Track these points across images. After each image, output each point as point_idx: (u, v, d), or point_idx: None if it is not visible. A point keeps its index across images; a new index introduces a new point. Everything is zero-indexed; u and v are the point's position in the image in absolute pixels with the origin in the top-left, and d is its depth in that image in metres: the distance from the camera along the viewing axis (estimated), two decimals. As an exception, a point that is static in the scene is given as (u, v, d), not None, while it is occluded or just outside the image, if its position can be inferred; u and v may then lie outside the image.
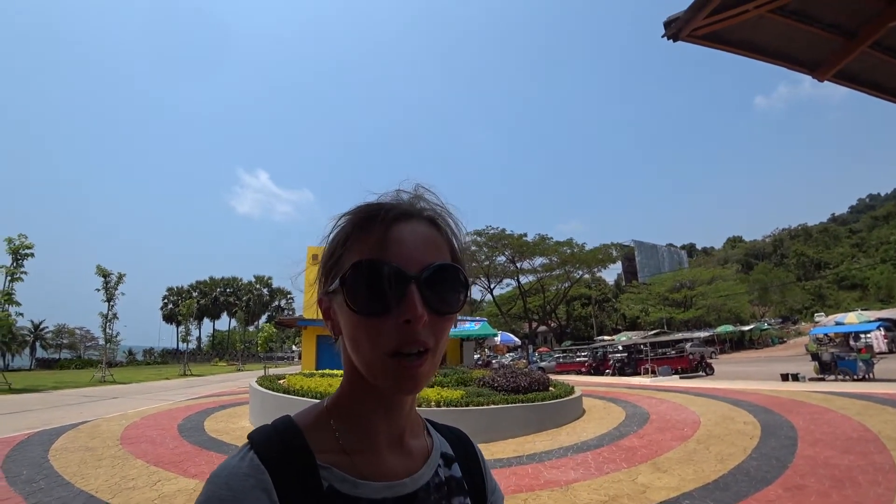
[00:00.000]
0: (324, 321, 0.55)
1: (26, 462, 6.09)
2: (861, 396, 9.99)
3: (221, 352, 68.92)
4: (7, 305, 18.65)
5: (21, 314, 19.90)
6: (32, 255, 19.42)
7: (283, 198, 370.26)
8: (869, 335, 23.20)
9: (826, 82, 2.73)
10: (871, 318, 25.51)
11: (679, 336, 27.63)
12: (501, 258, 39.57)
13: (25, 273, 19.23)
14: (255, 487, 0.45)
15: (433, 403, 7.54)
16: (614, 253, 42.35)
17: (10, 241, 18.96)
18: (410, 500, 0.52)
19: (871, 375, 13.91)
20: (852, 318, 24.56)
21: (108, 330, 25.95)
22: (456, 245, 0.56)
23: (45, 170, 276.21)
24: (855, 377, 13.91)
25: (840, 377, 14.23)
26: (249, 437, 0.51)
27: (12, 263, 18.91)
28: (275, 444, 0.50)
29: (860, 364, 14.00)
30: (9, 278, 18.79)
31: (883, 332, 24.62)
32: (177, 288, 75.97)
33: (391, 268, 0.47)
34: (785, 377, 14.33)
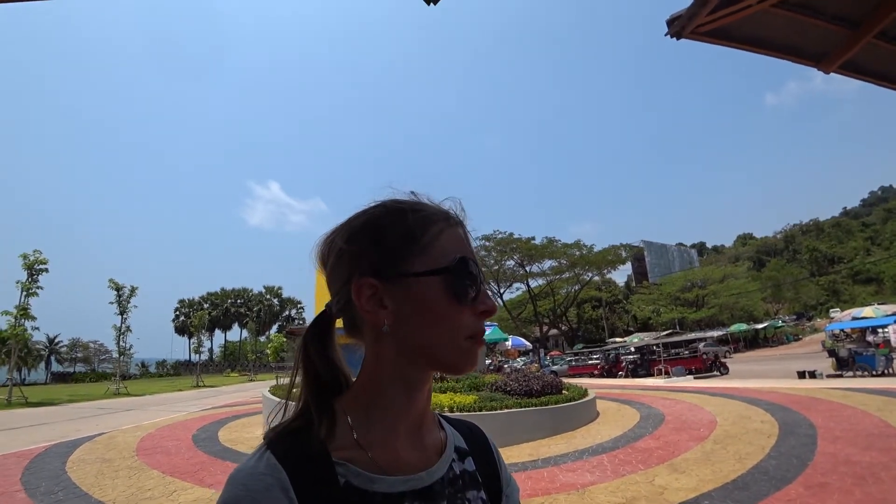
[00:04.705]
0: (364, 308, 0.53)
1: (44, 474, 6.17)
2: (881, 392, 9.80)
3: (233, 362, 69.36)
4: (23, 320, 18.97)
5: (37, 328, 20.34)
6: (47, 270, 19.72)
7: (296, 208, 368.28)
8: (886, 329, 22.73)
9: (835, 75, 2.72)
10: (889, 312, 25.01)
11: (692, 336, 27.30)
12: (510, 262, 39.53)
13: (41, 288, 19.52)
14: (272, 486, 0.46)
15: (446, 409, 7.52)
16: (623, 254, 42.09)
17: (25, 256, 19.28)
18: (427, 493, 0.53)
19: (890, 370, 13.66)
20: (869, 313, 24.06)
21: (121, 343, 26.31)
22: None
23: (57, 185, 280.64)
24: (874, 372, 13.66)
25: (858, 373, 13.97)
26: (265, 437, 0.52)
27: (28, 279, 19.21)
28: (290, 442, 0.51)
29: (879, 359, 13.75)
30: (24, 293, 19.10)
31: (901, 327, 24.12)
32: (188, 300, 76.78)
33: (478, 267, 0.56)
34: (801, 374, 14.08)
